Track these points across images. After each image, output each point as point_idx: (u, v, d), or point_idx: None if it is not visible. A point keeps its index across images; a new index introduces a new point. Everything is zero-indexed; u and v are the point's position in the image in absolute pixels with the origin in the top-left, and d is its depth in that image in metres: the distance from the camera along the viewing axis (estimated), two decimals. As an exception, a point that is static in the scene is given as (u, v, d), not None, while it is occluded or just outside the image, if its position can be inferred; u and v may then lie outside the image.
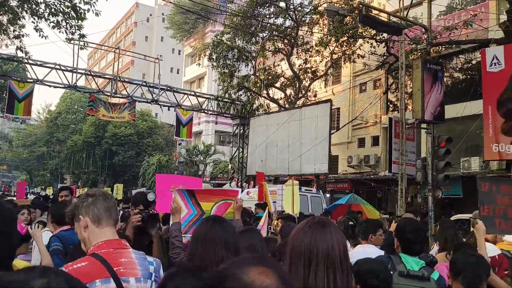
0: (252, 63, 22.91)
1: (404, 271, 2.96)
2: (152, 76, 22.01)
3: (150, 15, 65.35)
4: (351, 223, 5.56)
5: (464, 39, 15.44)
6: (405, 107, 14.22)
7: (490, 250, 4.03)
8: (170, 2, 30.94)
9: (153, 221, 3.82)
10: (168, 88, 21.78)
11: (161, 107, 21.78)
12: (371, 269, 2.62)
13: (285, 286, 0.97)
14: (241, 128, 24.09)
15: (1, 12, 16.62)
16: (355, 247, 4.63)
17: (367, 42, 18.13)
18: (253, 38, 22.17)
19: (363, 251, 4.07)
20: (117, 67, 20.90)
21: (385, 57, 18.62)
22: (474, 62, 17.82)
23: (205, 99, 23.40)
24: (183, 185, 4.46)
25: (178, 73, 55.94)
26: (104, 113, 20.09)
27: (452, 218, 10.38)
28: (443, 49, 16.52)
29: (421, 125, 13.64)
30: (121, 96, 20.96)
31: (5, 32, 17.78)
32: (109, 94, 20.61)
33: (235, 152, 25.03)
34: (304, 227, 1.69)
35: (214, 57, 21.88)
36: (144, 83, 21.37)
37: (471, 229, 4.60)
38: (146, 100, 21.70)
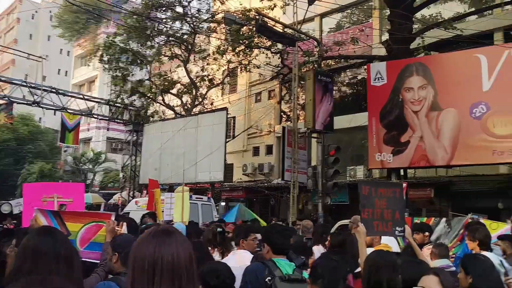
0: (147, 68, 22.10)
1: (284, 276, 3.09)
2: (35, 78, 20.10)
3: (36, 11, 60.34)
4: (219, 229, 5.52)
5: (351, 54, 16.45)
6: (297, 117, 14.68)
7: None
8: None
9: (7, 236, 3.48)
10: (53, 90, 20.03)
11: (43, 110, 19.94)
12: (212, 269, 2.69)
13: None
14: (134, 135, 23.03)
15: None
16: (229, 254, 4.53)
17: (263, 52, 18.49)
18: (149, 42, 21.43)
19: (233, 258, 4.00)
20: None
21: (279, 68, 19.14)
22: (360, 77, 19.10)
23: (95, 103, 21.98)
24: (59, 194, 4.25)
25: (66, 75, 52.24)
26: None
27: (337, 224, 10.84)
28: (333, 63, 17.44)
29: (312, 135, 14.17)
30: None
31: None
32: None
33: (127, 160, 23.84)
34: (148, 237, 1.60)
35: (105, 59, 20.67)
36: (25, 83, 19.40)
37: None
38: (26, 102, 19.69)
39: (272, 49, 17.72)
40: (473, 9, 16.99)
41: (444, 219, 7.84)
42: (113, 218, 3.81)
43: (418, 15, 15.63)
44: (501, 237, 6.36)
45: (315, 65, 14.54)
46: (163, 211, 9.16)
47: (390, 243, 4.76)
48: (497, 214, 11.57)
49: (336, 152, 13.03)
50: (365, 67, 17.38)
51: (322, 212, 13.16)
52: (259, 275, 3.16)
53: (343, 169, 17.01)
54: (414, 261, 3.54)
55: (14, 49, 33.22)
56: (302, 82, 15.91)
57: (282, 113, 23.12)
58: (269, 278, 3.09)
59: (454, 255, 6.41)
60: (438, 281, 2.60)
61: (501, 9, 15.49)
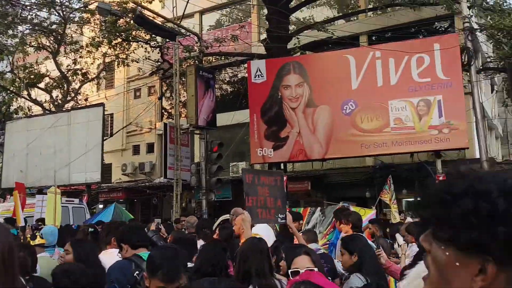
0: (8, 59, 19.82)
1: None
2: None
3: None
4: (91, 229, 5.45)
5: (231, 52, 16.64)
6: (179, 113, 14.41)
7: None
8: None
9: None
10: None
11: None
12: (63, 269, 2.66)
13: None
14: (-5, 135, 20.53)
15: None
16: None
17: (142, 46, 17.78)
18: (10, 30, 19.23)
19: (103, 257, 3.89)
20: None
21: (159, 63, 18.59)
22: (240, 75, 19.45)
23: None
24: None
25: None
26: None
27: (220, 218, 10.88)
28: (214, 60, 17.48)
29: (195, 131, 14.04)
30: None
31: None
32: None
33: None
34: None
35: (-45, 46, 18.06)
36: None
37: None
38: None
39: (151, 43, 17.11)
40: (340, 14, 18.38)
41: (319, 208, 8.35)
42: None
43: (292, 17, 16.41)
44: (371, 221, 7.02)
45: (196, 60, 14.39)
46: (31, 216, 8.36)
47: (262, 232, 4.87)
48: (365, 202, 12.71)
49: (219, 148, 13.07)
50: (245, 65, 17.77)
51: (206, 208, 13.10)
52: (126, 272, 3.11)
53: (225, 166, 17.16)
54: (294, 246, 3.77)
55: None
56: (183, 79, 15.66)
57: (163, 110, 22.57)
58: (137, 272, 3.04)
59: (328, 242, 6.85)
60: (309, 260, 2.74)
61: (365, 15, 16.97)
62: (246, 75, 18.69)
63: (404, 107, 11.88)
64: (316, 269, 2.75)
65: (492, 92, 19.97)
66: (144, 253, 3.22)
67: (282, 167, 14.14)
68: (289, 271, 2.82)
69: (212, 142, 13.26)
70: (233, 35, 15.53)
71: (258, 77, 13.16)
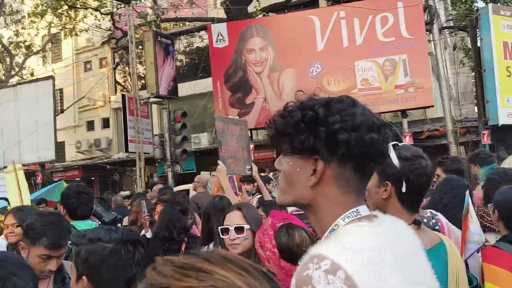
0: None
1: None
2: None
3: None
4: None
5: (189, 17, 15.87)
6: (136, 83, 13.66)
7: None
8: None
9: None
10: None
11: None
12: None
13: None
14: None
15: None
16: None
17: (91, 14, 16.61)
18: None
19: None
20: None
21: (110, 32, 17.51)
22: (198, 43, 18.70)
23: None
24: None
25: None
26: None
27: (178, 187, 10.53)
28: (170, 27, 16.64)
29: (156, 101, 13.39)
30: None
31: None
32: None
33: None
34: None
35: None
36: None
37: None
38: None
39: (101, 10, 15.99)
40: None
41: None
42: None
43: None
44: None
45: (153, 26, 13.57)
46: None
47: None
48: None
49: (182, 117, 12.54)
50: (203, 32, 17.05)
51: (172, 181, 12.63)
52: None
53: (187, 137, 16.65)
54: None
55: None
56: (139, 48, 14.82)
57: (116, 83, 21.52)
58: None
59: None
60: (241, 215, 2.57)
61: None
62: (204, 42, 18.05)
63: (371, 68, 11.76)
64: (247, 226, 2.53)
65: (449, 51, 20.34)
66: (80, 222, 3.18)
67: (249, 134, 13.79)
68: (219, 228, 2.64)
69: (175, 111, 12.68)
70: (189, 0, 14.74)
71: (220, 41, 12.59)
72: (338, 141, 1.00)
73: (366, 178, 1.08)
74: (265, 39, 12.50)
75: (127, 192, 12.25)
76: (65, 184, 11.83)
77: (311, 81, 12.04)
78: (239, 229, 2.51)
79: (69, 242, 2.32)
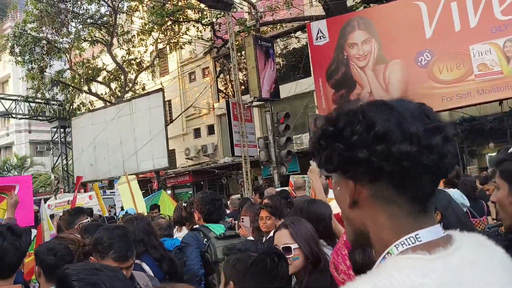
0: (66, 56, 20.17)
1: (219, 235, 3.43)
2: None
3: None
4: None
5: (287, 18, 15.85)
6: (239, 88, 13.92)
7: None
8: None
9: None
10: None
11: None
12: (49, 247, 2.58)
13: None
14: (62, 131, 21.14)
15: None
16: None
17: (193, 26, 17.38)
18: (64, 28, 19.48)
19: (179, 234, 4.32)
20: None
21: (211, 42, 18.16)
22: (297, 43, 18.61)
23: (11, 101, 19.82)
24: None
25: (-27, 79, 47.41)
26: None
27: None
28: (268, 30, 16.77)
29: (258, 104, 13.53)
30: None
31: None
32: None
33: (57, 160, 21.92)
34: None
35: (17, 50, 18.52)
36: None
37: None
38: None
39: (202, 22, 16.66)
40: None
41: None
42: (16, 191, 3.63)
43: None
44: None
45: (253, 31, 13.76)
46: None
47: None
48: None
49: (285, 119, 12.48)
50: (299, 32, 16.94)
51: (279, 182, 12.62)
52: (198, 238, 3.44)
53: (290, 138, 16.62)
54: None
55: None
56: (240, 54, 15.14)
57: (218, 91, 22.28)
58: (206, 239, 3.38)
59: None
60: (288, 234, 2.38)
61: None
62: (301, 43, 17.93)
63: (489, 51, 10.66)
64: (295, 245, 2.31)
65: None
66: (213, 225, 3.53)
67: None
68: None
69: (278, 113, 12.68)
70: (287, 0, 14.70)
71: (320, 38, 12.34)
72: (357, 158, 0.83)
73: (419, 197, 0.85)
74: (368, 32, 11.98)
75: (238, 196, 12.57)
76: (164, 192, 12.39)
77: (420, 71, 11.28)
78: (287, 249, 2.30)
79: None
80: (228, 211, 7.60)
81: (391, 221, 0.85)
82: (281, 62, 20.73)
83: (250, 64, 12.40)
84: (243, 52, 15.61)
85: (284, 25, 16.64)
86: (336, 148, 0.85)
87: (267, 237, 3.87)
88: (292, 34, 17.81)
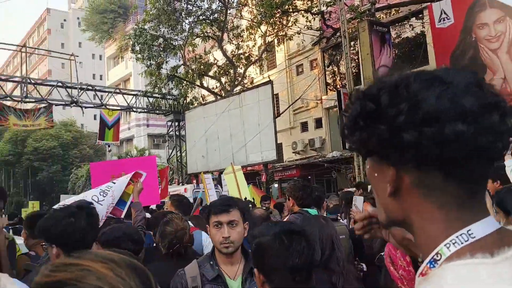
0: (180, 53, 21.13)
1: (328, 218, 3.84)
2: (70, 81, 19.52)
3: (65, 20, 60.97)
4: None
5: (404, 0, 14.76)
6: (351, 77, 13.25)
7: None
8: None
9: None
10: (89, 88, 19.48)
11: (82, 109, 19.40)
12: (125, 233, 2.61)
13: None
14: (176, 124, 22.26)
15: None
16: None
17: (302, 16, 17.01)
18: (178, 26, 20.39)
19: None
20: (25, 69, 18.25)
21: (321, 31, 17.63)
22: (412, 31, 17.32)
23: (132, 96, 21.31)
24: (127, 171, 4.20)
25: (101, 79, 52.45)
26: (15, 121, 17.43)
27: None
28: (383, 17, 15.79)
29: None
30: (34, 100, 18.33)
31: None
32: (19, 99, 17.93)
33: (172, 152, 23.14)
34: None
35: (137, 48, 19.83)
36: (60, 83, 18.87)
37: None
38: (64, 103, 19.22)
39: (312, 11, 16.22)
40: None
41: None
42: (142, 179, 3.86)
43: None
44: None
45: (367, 16, 12.98)
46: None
47: None
48: None
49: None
50: (414, 19, 15.71)
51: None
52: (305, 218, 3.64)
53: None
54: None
55: (42, 49, 33.13)
56: (352, 43, 14.41)
57: (326, 84, 21.67)
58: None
59: None
60: None
61: None
62: (418, 29, 16.59)
63: None
64: None
65: None
66: (309, 209, 3.80)
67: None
68: None
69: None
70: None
71: (444, 20, 11.18)
72: (403, 141, 0.71)
73: (471, 184, 0.73)
74: (501, 9, 10.56)
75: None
76: (252, 187, 12.07)
77: None
78: None
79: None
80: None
81: (439, 213, 0.74)
82: (395, 52, 19.48)
83: (364, 51, 11.69)
84: (354, 41, 14.91)
85: (399, 10, 15.52)
86: (378, 129, 0.74)
87: None
88: (410, 20, 16.55)
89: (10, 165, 39.04)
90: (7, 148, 38.82)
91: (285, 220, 4.19)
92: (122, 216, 3.82)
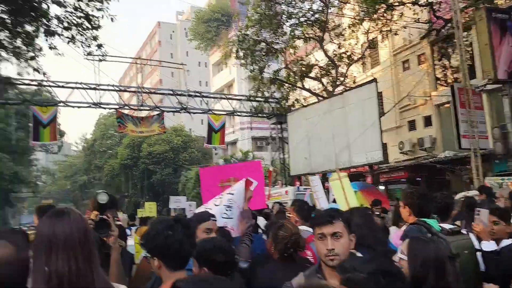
0: (282, 56, 21.29)
1: (449, 229, 3.43)
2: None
3: (173, 31, 65.19)
4: None
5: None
6: (466, 71, 12.18)
7: None
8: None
9: (104, 227, 3.20)
10: (197, 94, 20.51)
11: (191, 114, 20.51)
12: (217, 246, 2.60)
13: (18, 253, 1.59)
14: (279, 127, 22.48)
15: (17, 37, 15.87)
16: None
17: (410, 8, 16.10)
18: (280, 29, 20.55)
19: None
20: (141, 79, 19.74)
21: (430, 23, 16.53)
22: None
23: (236, 100, 21.98)
24: (236, 177, 4.28)
25: (206, 85, 55.08)
26: (132, 128, 18.94)
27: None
28: (503, 1, 14.34)
29: (490, 88, 11.60)
30: (148, 107, 19.77)
31: (19, 56, 17.05)
32: (135, 107, 19.46)
33: (275, 154, 23.40)
34: (45, 218, 1.80)
35: (241, 54, 20.38)
36: (171, 91, 20.13)
37: None
38: (175, 109, 20.46)
39: (419, 2, 15.27)
40: None
41: None
42: (252, 187, 3.81)
43: None
44: None
45: (483, 3, 11.86)
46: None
47: None
48: None
49: (530, 103, 10.34)
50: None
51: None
52: (422, 231, 3.25)
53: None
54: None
55: (154, 60, 35.73)
56: (465, 34, 13.29)
57: (436, 79, 20.29)
58: (429, 234, 3.13)
59: None
60: None
61: None
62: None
63: None
64: None
65: None
66: (428, 220, 3.46)
67: None
68: None
69: (519, 97, 10.62)
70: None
71: None
72: None
73: None
74: None
75: (462, 195, 11.00)
76: (360, 193, 11.29)
77: None
78: None
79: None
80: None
81: None
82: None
83: (482, 41, 10.69)
84: (467, 32, 13.74)
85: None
86: None
87: (500, 245, 3.55)
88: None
89: (129, 168, 42.64)
90: (126, 153, 42.49)
91: (401, 230, 3.88)
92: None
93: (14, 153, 33.96)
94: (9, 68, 67.33)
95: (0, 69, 18.81)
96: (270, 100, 21.98)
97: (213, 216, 3.22)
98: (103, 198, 3.38)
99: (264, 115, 23.09)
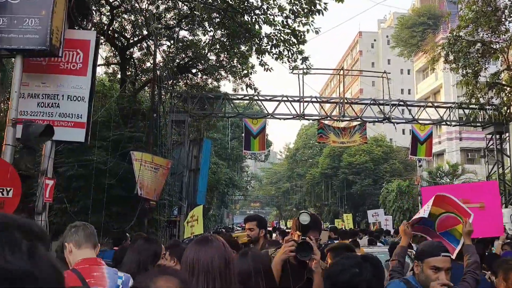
0: (503, 56, 18.57)
1: None
2: (382, 98, 20.03)
3: (374, 40, 64.18)
4: None
5: None
6: None
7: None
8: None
9: (306, 250, 3.06)
10: (401, 103, 19.48)
11: (394, 125, 19.56)
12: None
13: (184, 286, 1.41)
14: (497, 137, 19.65)
15: (233, 57, 17.70)
16: None
17: None
18: (500, 27, 17.95)
19: None
20: (343, 89, 19.74)
21: None
22: None
23: (445, 109, 20.08)
24: (465, 197, 4.00)
25: (409, 93, 52.36)
26: (334, 139, 19.08)
27: None
28: None
29: None
30: (349, 118, 19.64)
31: (235, 74, 18.92)
32: (336, 118, 19.56)
33: (492, 168, 20.49)
34: (192, 244, 2.07)
35: (451, 57, 18.53)
36: (373, 101, 19.58)
37: None
38: (377, 119, 19.83)
39: None
40: None
41: None
42: (470, 219, 3.43)
43: None
44: None
45: None
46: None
47: None
48: None
49: None
50: None
51: None
52: None
53: None
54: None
55: (357, 70, 35.38)
56: None
57: None
58: None
59: None
60: None
61: None
62: None
63: None
64: None
65: None
66: None
67: None
68: None
69: None
70: None
71: None
72: None
73: None
74: None
75: None
76: None
77: None
78: None
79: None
80: None
81: None
82: None
83: None
84: None
85: None
86: None
87: None
88: None
89: (329, 177, 43.38)
90: (326, 162, 43.36)
91: None
92: (453, 257, 3.26)
93: (229, 160, 38.16)
94: (227, 85, 76.58)
95: (220, 86, 21.22)
96: (487, 107, 19.41)
97: (445, 249, 2.76)
98: (305, 219, 3.22)
99: (478, 124, 20.51)
